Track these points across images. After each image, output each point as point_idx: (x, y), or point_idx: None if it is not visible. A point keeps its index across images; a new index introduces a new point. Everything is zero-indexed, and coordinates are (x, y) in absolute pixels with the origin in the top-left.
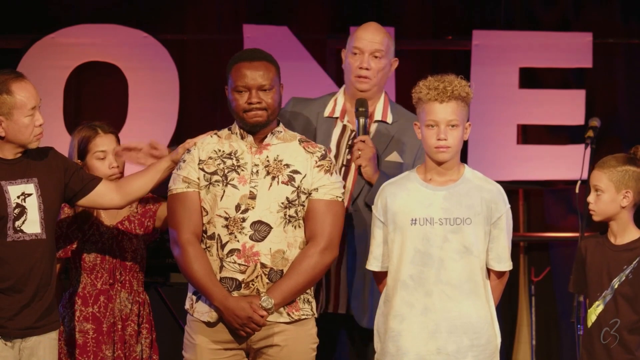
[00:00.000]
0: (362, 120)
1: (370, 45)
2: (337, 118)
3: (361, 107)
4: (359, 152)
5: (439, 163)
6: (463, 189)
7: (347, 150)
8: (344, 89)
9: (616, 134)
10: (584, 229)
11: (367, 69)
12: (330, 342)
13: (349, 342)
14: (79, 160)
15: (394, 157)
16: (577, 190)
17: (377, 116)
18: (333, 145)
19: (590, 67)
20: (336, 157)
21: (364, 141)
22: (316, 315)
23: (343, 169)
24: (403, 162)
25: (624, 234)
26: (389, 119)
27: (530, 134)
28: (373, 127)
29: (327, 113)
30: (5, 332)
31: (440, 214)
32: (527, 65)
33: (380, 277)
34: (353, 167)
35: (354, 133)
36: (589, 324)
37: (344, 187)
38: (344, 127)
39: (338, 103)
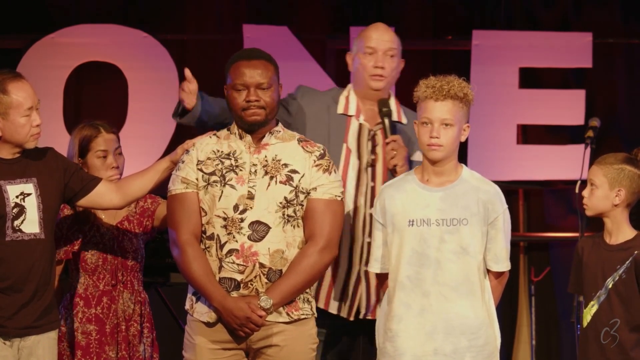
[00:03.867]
0: (387, 120)
1: (384, 44)
2: (351, 116)
3: (385, 107)
4: (394, 152)
5: (432, 162)
6: (460, 189)
7: (371, 150)
8: (351, 89)
9: (616, 134)
10: (584, 229)
11: (382, 67)
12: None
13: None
14: (80, 159)
15: (416, 156)
16: (577, 190)
17: (393, 117)
18: (352, 144)
19: (590, 67)
20: (359, 157)
21: (395, 140)
22: (316, 315)
23: (369, 169)
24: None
25: (618, 233)
26: (404, 120)
27: (530, 134)
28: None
29: (340, 110)
30: (4, 332)
31: (437, 214)
32: (527, 65)
33: (382, 278)
34: (380, 167)
35: (372, 133)
36: (584, 324)
37: (373, 188)
38: (361, 125)
39: (350, 101)
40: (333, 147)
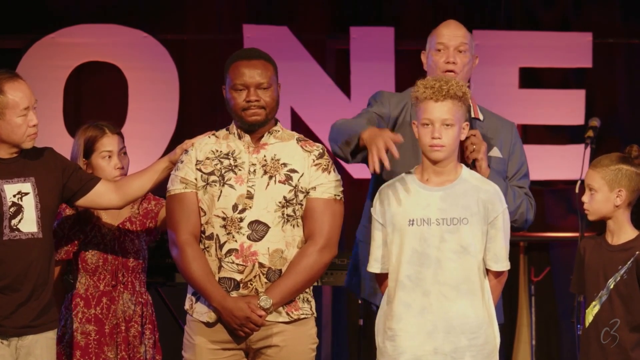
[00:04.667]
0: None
1: (454, 39)
2: None
3: None
4: (473, 147)
5: (434, 162)
6: (460, 189)
7: None
8: None
9: (616, 134)
10: (584, 229)
11: (453, 62)
12: None
13: None
14: (84, 160)
15: (494, 152)
16: (577, 190)
17: (470, 113)
18: None
19: (590, 67)
20: None
21: (475, 135)
22: (315, 315)
23: None
24: (502, 157)
25: (620, 233)
26: (481, 116)
27: (530, 134)
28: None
29: None
30: (2, 331)
31: (437, 214)
32: (527, 65)
33: (381, 279)
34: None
35: None
36: (587, 324)
37: None
38: None
39: None
40: (407, 147)
